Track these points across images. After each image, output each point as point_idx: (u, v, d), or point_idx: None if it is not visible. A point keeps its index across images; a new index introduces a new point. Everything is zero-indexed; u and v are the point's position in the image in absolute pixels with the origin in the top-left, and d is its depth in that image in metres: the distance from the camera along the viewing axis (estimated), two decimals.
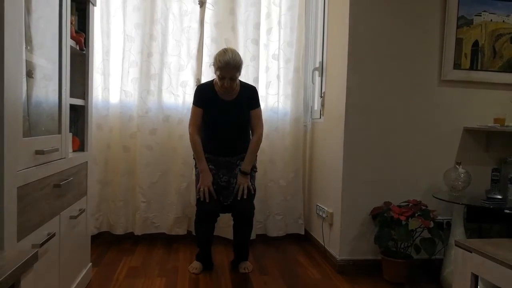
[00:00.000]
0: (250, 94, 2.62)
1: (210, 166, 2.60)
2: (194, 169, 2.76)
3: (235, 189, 2.57)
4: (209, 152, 2.61)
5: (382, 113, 2.67)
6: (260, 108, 2.67)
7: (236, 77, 2.50)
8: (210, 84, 2.63)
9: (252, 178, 2.65)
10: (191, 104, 2.65)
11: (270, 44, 3.28)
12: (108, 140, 3.12)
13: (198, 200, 2.58)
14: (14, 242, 1.29)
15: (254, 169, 2.68)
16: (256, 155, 2.69)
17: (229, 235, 2.96)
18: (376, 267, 2.62)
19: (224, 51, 2.48)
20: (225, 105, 2.57)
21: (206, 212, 2.56)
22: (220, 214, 2.68)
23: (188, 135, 2.64)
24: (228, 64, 2.41)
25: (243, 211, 2.57)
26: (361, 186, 2.66)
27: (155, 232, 3.18)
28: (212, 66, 2.54)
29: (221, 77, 2.47)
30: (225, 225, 3.05)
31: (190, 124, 2.62)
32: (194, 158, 2.68)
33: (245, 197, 2.55)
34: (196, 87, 2.72)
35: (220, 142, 2.60)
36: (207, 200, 2.52)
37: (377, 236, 2.55)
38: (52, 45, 1.73)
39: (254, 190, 2.64)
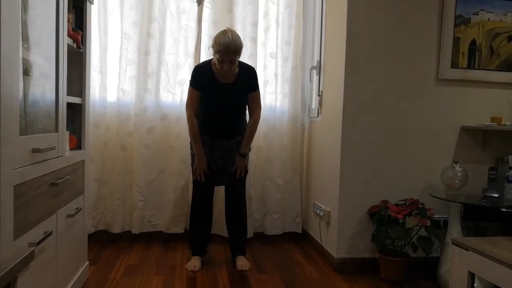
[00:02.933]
0: (249, 76, 2.58)
1: (206, 151, 2.61)
2: (190, 148, 2.75)
3: (233, 169, 2.65)
4: (206, 134, 2.60)
5: (379, 111, 2.67)
6: (259, 90, 2.65)
7: (236, 61, 2.44)
8: (208, 64, 2.56)
9: (247, 159, 2.72)
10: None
11: (268, 42, 3.27)
12: (105, 138, 3.11)
13: (194, 180, 2.67)
14: (11, 241, 1.29)
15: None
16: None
17: (226, 233, 2.96)
18: (374, 266, 2.63)
19: (224, 33, 2.39)
20: (223, 88, 2.53)
21: (202, 191, 2.67)
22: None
23: (187, 135, 2.65)
24: (228, 47, 2.34)
25: (237, 188, 2.72)
26: (358, 184, 2.66)
27: (152, 230, 3.18)
28: (211, 48, 2.47)
29: (220, 60, 2.40)
30: (222, 223, 3.04)
31: (187, 106, 2.59)
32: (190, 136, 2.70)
33: (242, 176, 2.68)
34: (194, 67, 2.66)
35: (216, 125, 2.60)
36: (203, 180, 2.61)
37: (374, 235, 2.56)
38: (49, 43, 1.72)
39: (247, 170, 2.75)
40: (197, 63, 3.11)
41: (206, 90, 2.54)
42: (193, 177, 2.70)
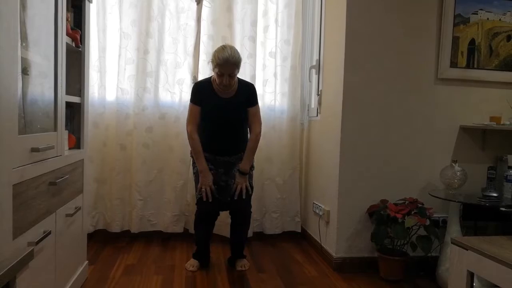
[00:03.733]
0: (248, 92, 2.60)
1: (210, 166, 2.57)
2: (191, 167, 2.75)
3: (233, 188, 2.57)
4: (207, 151, 2.58)
5: (378, 111, 2.67)
6: (258, 106, 2.65)
7: (235, 74, 2.48)
8: (207, 81, 2.60)
9: (250, 176, 2.65)
10: (188, 102, 2.62)
11: (267, 41, 3.27)
12: (104, 138, 3.10)
13: (199, 199, 2.57)
14: (10, 240, 1.28)
15: (251, 168, 2.68)
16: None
17: (226, 233, 2.97)
18: (373, 265, 2.63)
19: (223, 48, 2.45)
20: (223, 103, 2.55)
21: (207, 212, 2.58)
22: (219, 212, 2.67)
23: (185, 134, 2.63)
24: (227, 61, 2.39)
25: (241, 210, 2.61)
26: (357, 184, 2.66)
27: (151, 230, 3.18)
28: (210, 63, 2.51)
29: (219, 74, 2.44)
30: (222, 223, 3.04)
31: (188, 122, 2.59)
32: (191, 156, 2.66)
33: (244, 197, 2.56)
34: (193, 84, 2.69)
35: (218, 141, 2.58)
36: (210, 200, 2.52)
37: (373, 234, 2.56)
38: (48, 42, 1.72)
39: (252, 189, 2.65)
40: (196, 62, 3.14)
41: (206, 105, 2.54)
42: (197, 197, 2.61)
